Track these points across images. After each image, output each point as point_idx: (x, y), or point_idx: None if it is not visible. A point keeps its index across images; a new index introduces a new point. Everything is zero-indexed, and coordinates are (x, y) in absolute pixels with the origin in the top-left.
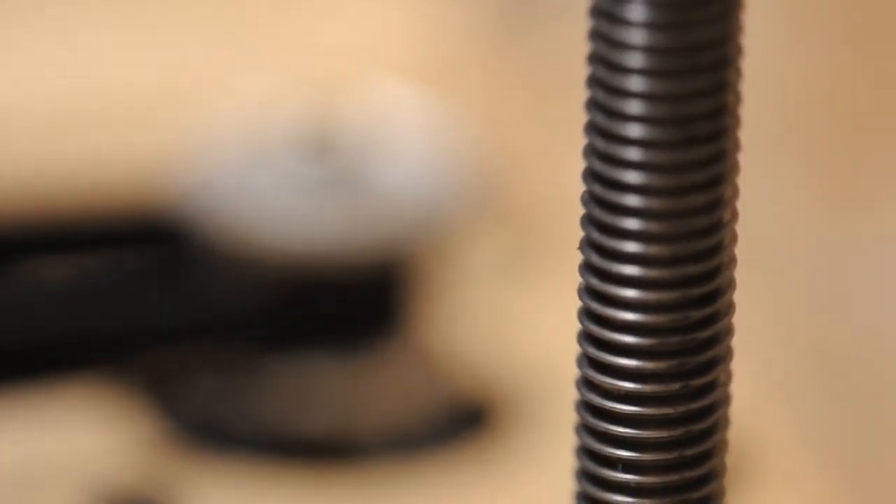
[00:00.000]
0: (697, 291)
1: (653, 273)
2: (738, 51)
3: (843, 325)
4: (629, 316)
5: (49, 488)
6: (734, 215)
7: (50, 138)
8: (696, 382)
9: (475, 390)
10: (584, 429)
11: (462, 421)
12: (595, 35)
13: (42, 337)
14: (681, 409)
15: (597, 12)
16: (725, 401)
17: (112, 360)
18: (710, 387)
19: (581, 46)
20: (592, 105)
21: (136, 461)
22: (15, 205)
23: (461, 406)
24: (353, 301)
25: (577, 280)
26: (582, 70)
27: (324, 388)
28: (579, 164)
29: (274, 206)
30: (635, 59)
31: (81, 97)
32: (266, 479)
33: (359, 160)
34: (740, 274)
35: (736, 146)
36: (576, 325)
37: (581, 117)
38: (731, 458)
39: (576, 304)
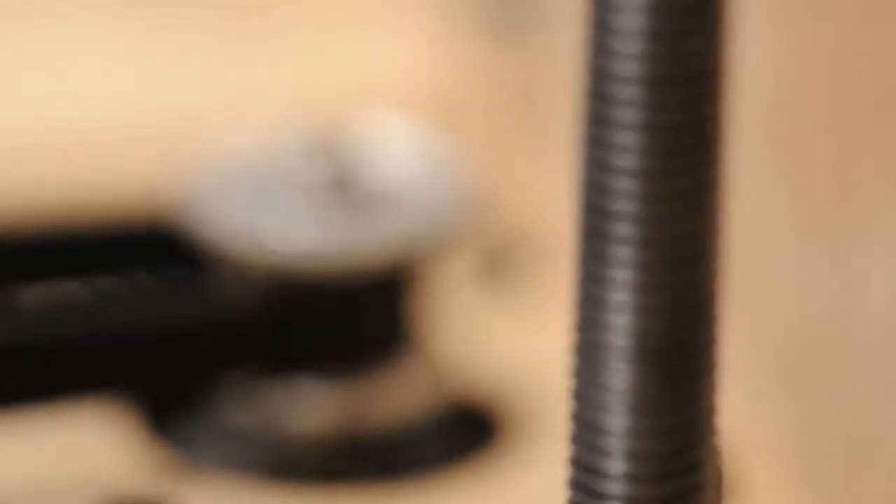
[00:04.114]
0: (685, 301)
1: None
2: (725, 63)
3: (828, 340)
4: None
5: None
6: (721, 230)
7: (58, 157)
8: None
9: (471, 399)
10: (576, 440)
11: (461, 430)
12: (591, 72)
13: (45, 352)
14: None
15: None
16: (712, 413)
17: (120, 372)
18: (698, 398)
19: (565, 74)
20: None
21: (141, 473)
22: (21, 221)
23: (460, 415)
24: (354, 312)
25: (563, 292)
26: (566, 98)
27: (325, 397)
28: (562, 184)
29: (277, 222)
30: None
31: (90, 118)
32: (268, 488)
33: (358, 178)
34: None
35: (723, 160)
36: (561, 338)
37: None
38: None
39: (560, 316)
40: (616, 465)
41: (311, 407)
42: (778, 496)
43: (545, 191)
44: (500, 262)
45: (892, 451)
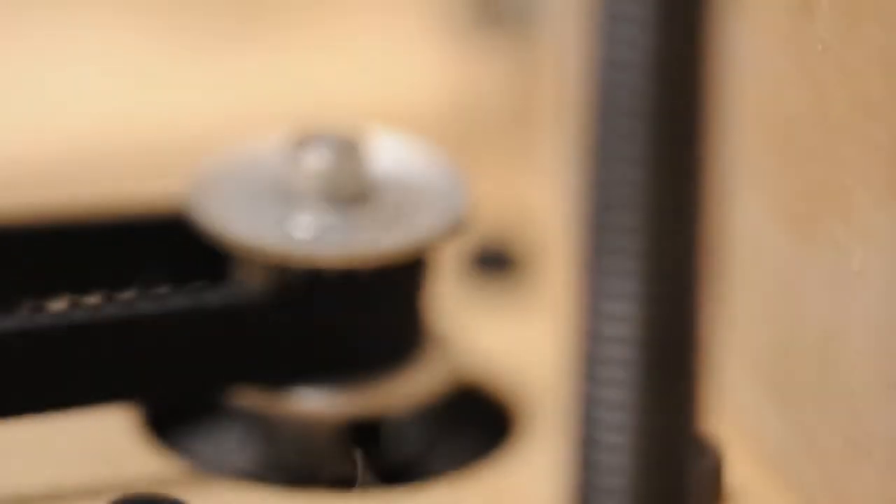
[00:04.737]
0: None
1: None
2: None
3: (820, 340)
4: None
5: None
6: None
7: (74, 164)
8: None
9: (476, 394)
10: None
11: (469, 424)
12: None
13: (57, 358)
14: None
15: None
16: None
17: (132, 372)
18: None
19: (559, 76)
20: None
21: (152, 474)
22: (34, 221)
23: (466, 409)
24: (356, 309)
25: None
26: (561, 99)
27: (334, 394)
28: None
29: (284, 220)
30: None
31: (107, 124)
32: (277, 489)
33: (359, 178)
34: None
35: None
36: (556, 334)
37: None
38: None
39: (555, 311)
40: (613, 458)
41: (320, 405)
42: (772, 497)
43: (542, 192)
44: (496, 260)
45: (885, 450)
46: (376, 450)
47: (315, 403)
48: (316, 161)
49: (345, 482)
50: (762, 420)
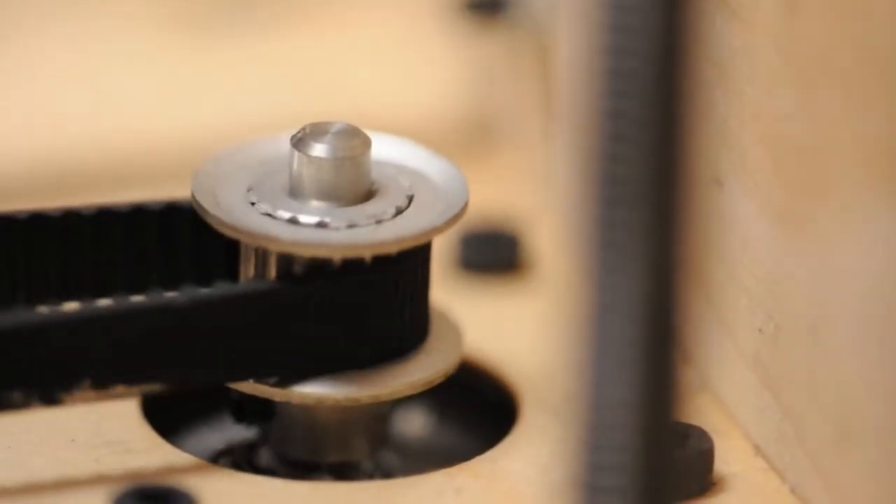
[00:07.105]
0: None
1: None
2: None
3: (809, 329)
4: None
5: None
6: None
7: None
8: None
9: (475, 385)
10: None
11: (471, 415)
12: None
13: (69, 350)
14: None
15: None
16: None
17: (143, 366)
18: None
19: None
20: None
21: (159, 465)
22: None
23: (469, 401)
24: (356, 304)
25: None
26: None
27: (339, 388)
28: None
29: (289, 216)
30: None
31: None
32: (285, 482)
33: (359, 176)
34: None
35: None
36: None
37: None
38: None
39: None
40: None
41: (324, 393)
42: (763, 484)
43: (540, 189)
44: (496, 252)
45: (874, 439)
46: (378, 439)
47: (319, 392)
48: (319, 155)
49: (348, 470)
50: (753, 408)
